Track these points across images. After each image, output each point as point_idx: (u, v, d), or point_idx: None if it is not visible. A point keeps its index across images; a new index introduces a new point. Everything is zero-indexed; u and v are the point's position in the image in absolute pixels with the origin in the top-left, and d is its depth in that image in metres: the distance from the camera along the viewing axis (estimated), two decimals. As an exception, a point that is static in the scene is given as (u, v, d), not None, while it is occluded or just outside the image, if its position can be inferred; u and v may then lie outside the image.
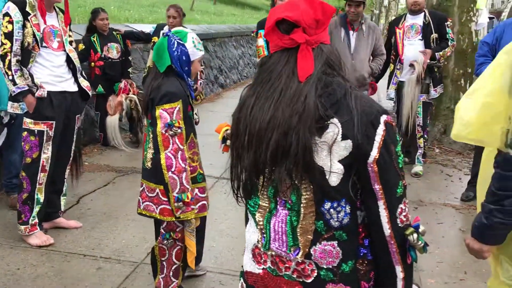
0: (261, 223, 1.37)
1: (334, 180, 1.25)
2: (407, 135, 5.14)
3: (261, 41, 4.73)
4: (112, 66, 5.61)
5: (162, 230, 2.63)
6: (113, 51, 5.64)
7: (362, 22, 4.70)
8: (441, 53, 4.94)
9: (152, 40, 5.85)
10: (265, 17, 4.84)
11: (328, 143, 1.23)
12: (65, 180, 3.62)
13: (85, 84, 3.58)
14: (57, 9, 3.48)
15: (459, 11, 6.49)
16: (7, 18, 3.19)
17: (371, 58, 4.86)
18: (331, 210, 1.27)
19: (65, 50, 3.43)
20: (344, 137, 1.23)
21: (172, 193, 2.41)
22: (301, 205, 1.29)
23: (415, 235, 1.28)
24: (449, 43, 5.01)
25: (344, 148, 1.23)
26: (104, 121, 5.57)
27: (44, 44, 3.31)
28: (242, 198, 1.41)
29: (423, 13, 5.05)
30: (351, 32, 4.70)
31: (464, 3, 6.46)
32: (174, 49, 2.49)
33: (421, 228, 1.30)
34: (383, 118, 1.25)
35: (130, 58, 5.93)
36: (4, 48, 3.17)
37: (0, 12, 3.24)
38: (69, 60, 3.46)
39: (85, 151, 5.54)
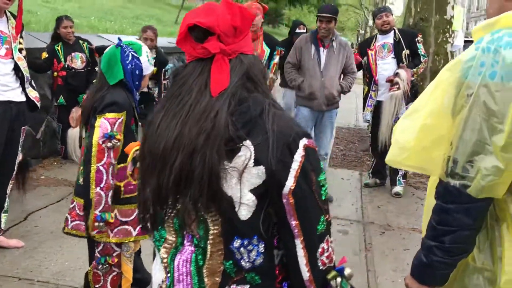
0: (165, 260, 1.17)
1: (244, 213, 1.06)
2: (382, 156, 5.00)
3: None
4: (75, 76, 5.37)
5: (97, 254, 2.41)
6: (77, 61, 5.42)
7: (333, 39, 4.57)
8: (414, 69, 4.84)
9: None
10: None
11: (239, 169, 1.05)
12: (7, 195, 3.37)
13: (33, 94, 3.36)
14: (9, 14, 3.27)
15: (435, 32, 6.43)
16: None
17: (342, 76, 4.73)
18: (242, 248, 1.08)
19: (13, 58, 3.22)
20: (256, 163, 1.05)
21: (95, 211, 2.19)
22: (208, 241, 1.10)
23: (338, 280, 1.10)
24: (421, 59, 4.92)
25: (256, 175, 1.05)
26: (66, 133, 5.32)
27: None
28: (151, 229, 1.22)
29: (392, 31, 4.97)
30: (321, 48, 4.57)
31: (440, 24, 6.41)
32: (128, 62, 2.31)
33: (347, 271, 1.12)
34: (303, 142, 1.07)
35: (96, 69, 5.71)
36: None
37: None
38: (17, 69, 3.25)
39: (44, 164, 5.30)
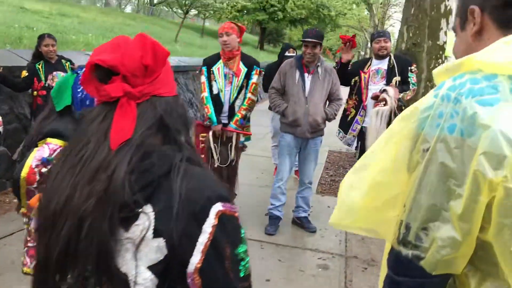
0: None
1: (141, 294, 0.88)
2: None
3: (203, 78, 4.45)
4: (55, 96, 5.23)
5: None
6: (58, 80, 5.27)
7: (318, 64, 4.42)
8: (402, 94, 4.67)
9: None
10: (215, 52, 4.56)
11: (135, 241, 0.87)
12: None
13: None
14: None
15: (428, 57, 6.30)
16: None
17: (327, 102, 4.57)
18: (140, 335, 0.90)
19: None
20: (156, 234, 0.87)
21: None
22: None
23: None
24: (411, 86, 4.76)
25: (156, 249, 0.87)
26: (44, 154, 5.15)
27: None
28: None
29: (388, 57, 4.82)
30: (306, 74, 4.42)
31: (432, 50, 6.29)
32: (79, 90, 2.15)
33: None
34: (216, 208, 0.89)
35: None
36: None
37: None
38: None
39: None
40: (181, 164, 0.93)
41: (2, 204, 4.68)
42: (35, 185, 1.99)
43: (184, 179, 0.90)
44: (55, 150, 2.02)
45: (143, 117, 0.95)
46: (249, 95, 4.44)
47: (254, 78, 4.46)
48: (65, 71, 5.34)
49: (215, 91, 4.41)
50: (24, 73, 5.14)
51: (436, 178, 1.04)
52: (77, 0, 40.10)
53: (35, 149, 2.02)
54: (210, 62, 4.45)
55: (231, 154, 4.47)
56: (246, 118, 4.48)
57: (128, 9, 46.68)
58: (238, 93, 4.44)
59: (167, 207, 0.87)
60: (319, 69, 4.43)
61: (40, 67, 5.20)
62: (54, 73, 5.26)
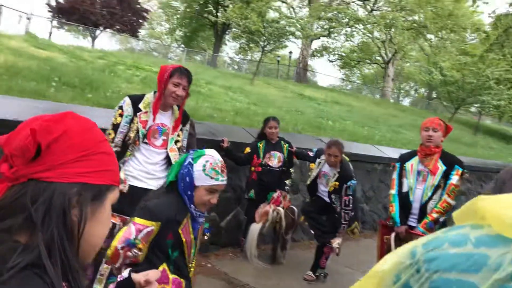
0: None
1: None
2: None
3: (394, 174, 4.02)
4: (268, 173, 5.47)
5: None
6: (274, 159, 5.54)
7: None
8: None
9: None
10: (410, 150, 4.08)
11: None
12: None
13: None
14: (175, 108, 3.55)
15: None
16: (119, 111, 3.39)
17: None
18: None
19: (166, 149, 3.44)
20: None
21: None
22: None
23: None
24: None
25: None
26: (249, 227, 5.40)
27: (145, 141, 3.38)
28: None
29: None
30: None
31: None
32: (183, 167, 2.18)
33: None
34: None
35: (292, 170, 5.72)
36: (108, 138, 3.35)
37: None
38: (168, 159, 3.45)
39: (219, 253, 5.43)
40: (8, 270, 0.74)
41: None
42: (117, 265, 2.01)
43: None
44: (140, 231, 2.02)
45: (4, 201, 0.82)
46: (445, 196, 3.83)
47: (454, 180, 3.84)
48: (282, 151, 5.60)
49: (404, 189, 3.91)
50: (247, 150, 5.59)
51: None
52: (358, 90, 42.81)
53: (123, 228, 2.06)
54: (405, 157, 4.00)
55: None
56: (438, 223, 3.80)
57: (406, 101, 47.32)
58: (433, 194, 3.87)
59: None
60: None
61: (261, 145, 5.58)
62: (272, 152, 5.56)
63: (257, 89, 18.39)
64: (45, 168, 0.84)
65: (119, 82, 9.36)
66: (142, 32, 37.00)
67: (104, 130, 3.31)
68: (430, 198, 3.91)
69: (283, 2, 29.00)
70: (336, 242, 4.99)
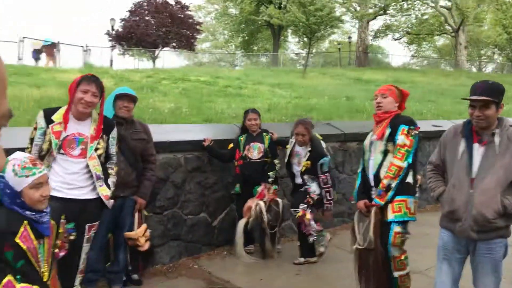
0: None
1: None
2: None
3: None
4: (249, 166, 5.30)
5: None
6: (254, 151, 5.35)
7: (496, 131, 2.98)
8: None
9: None
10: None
11: None
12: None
13: (104, 193, 3.50)
14: (95, 117, 3.57)
15: None
16: (34, 125, 3.52)
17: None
18: None
19: (85, 158, 3.47)
20: None
21: None
22: None
23: None
24: None
25: None
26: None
27: (62, 151, 3.44)
28: None
29: None
30: (475, 145, 3.04)
31: None
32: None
33: None
34: None
35: (276, 161, 5.48)
36: (26, 152, 3.47)
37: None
38: (88, 168, 3.47)
39: (214, 253, 5.38)
40: None
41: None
42: None
43: None
44: None
45: None
46: (392, 159, 3.69)
47: (400, 139, 3.68)
48: (261, 142, 5.42)
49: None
50: (231, 145, 5.49)
51: None
52: (435, 64, 40.43)
53: None
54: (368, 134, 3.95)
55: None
56: (391, 189, 3.67)
57: (489, 68, 43.93)
58: (383, 160, 3.74)
59: None
60: (496, 138, 2.98)
61: (242, 139, 5.45)
62: (251, 144, 5.40)
63: (307, 82, 18.05)
64: None
65: (153, 96, 9.62)
66: (201, 45, 38.06)
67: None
68: (381, 165, 3.71)
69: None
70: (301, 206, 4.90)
